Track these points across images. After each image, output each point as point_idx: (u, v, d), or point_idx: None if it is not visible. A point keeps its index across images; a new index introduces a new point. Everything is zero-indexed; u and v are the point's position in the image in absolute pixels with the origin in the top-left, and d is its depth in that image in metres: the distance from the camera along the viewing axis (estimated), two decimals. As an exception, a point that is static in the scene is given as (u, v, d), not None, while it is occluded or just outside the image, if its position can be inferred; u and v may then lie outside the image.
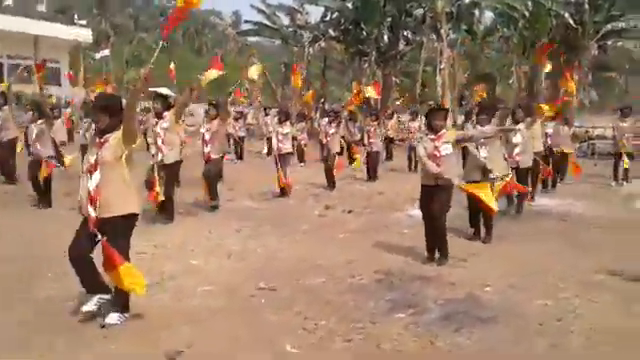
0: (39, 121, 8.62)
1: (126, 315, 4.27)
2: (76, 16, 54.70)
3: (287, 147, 10.19)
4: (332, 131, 11.51)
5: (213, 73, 8.70)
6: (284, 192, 10.01)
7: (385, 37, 25.91)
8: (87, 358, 3.68)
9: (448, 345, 3.99)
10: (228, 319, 4.40)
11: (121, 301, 4.25)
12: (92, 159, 4.11)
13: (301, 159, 15.51)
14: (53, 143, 9.19)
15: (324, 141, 11.47)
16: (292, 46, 28.03)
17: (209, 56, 62.24)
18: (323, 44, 26.48)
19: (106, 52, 44.81)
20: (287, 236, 7.24)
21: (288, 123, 10.35)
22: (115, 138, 4.14)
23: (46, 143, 8.56)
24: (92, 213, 4.07)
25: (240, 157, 16.07)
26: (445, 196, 6.00)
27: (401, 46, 25.84)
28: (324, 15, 27.24)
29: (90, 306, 4.18)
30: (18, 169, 10.44)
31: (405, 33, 26.33)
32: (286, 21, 28.68)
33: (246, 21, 34.47)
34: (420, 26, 24.79)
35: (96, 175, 4.07)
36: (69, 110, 16.10)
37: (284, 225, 7.87)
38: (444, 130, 6.08)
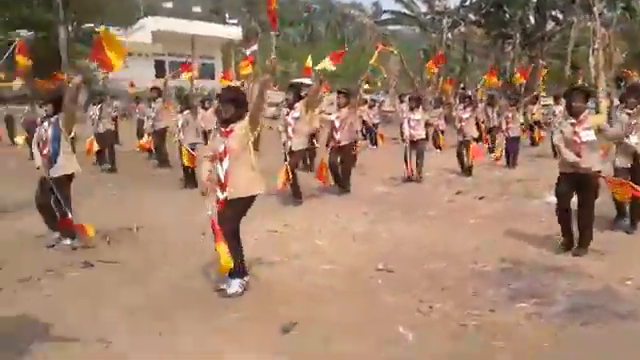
0: (185, 112, 9.39)
1: (246, 279, 4.56)
2: (227, 15, 58.59)
3: (419, 133, 10.02)
4: (466, 116, 11.09)
5: (327, 64, 8.85)
6: (411, 178, 9.91)
7: (531, 18, 24.32)
8: (214, 325, 3.97)
9: (573, 338, 3.71)
10: (344, 297, 4.49)
11: (238, 268, 4.51)
12: (220, 147, 4.43)
13: (437, 145, 15.20)
14: (202, 132, 9.95)
15: (458, 126, 11.10)
16: (430, 33, 27.44)
17: (350, 47, 63.11)
18: (463, 29, 25.57)
19: (254, 47, 47.46)
20: (414, 221, 7.17)
21: (420, 109, 10.15)
22: (242, 128, 4.45)
23: (190, 131, 9.31)
24: (220, 195, 4.41)
25: (375, 143, 16.13)
26: (588, 184, 5.54)
27: (549, 27, 24.09)
28: (463, 0, 26.29)
29: (225, 285, 4.54)
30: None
31: (553, 13, 24.50)
32: (424, 8, 28.19)
33: (385, 11, 34.41)
34: (570, 5, 22.88)
35: (225, 162, 4.40)
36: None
37: (412, 210, 7.79)
38: (586, 113, 5.60)
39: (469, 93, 15.36)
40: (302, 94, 8.33)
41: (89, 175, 10.27)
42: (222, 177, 4.44)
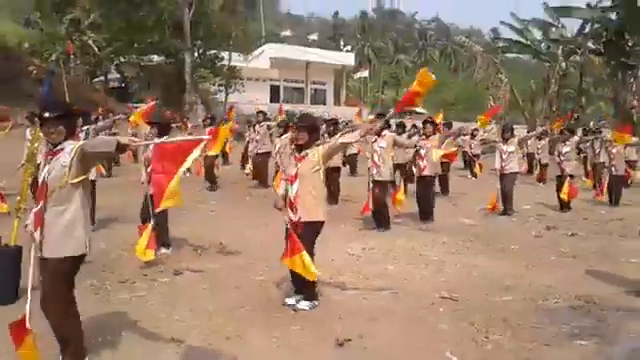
0: (283, 136, 10.01)
1: (315, 303, 4.89)
2: (342, 43, 60.34)
3: (510, 167, 9.77)
4: (566, 150, 10.73)
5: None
6: (494, 209, 9.75)
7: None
8: (275, 334, 4.35)
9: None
10: (402, 320, 4.68)
11: (310, 292, 4.89)
12: (292, 171, 4.84)
13: (540, 178, 14.72)
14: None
15: (557, 160, 10.77)
16: (544, 61, 26.49)
17: (464, 75, 62.25)
18: (579, 58, 24.43)
19: (365, 73, 48.39)
20: (492, 253, 7.15)
21: (514, 140, 9.96)
22: (315, 155, 4.81)
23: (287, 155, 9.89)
24: (292, 217, 4.80)
25: (474, 175, 15.86)
26: None
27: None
28: (581, 27, 25.14)
29: (291, 300, 4.94)
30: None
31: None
32: (539, 36, 27.24)
33: (495, 38, 33.70)
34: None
35: (295, 185, 4.80)
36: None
37: (494, 243, 7.76)
38: None
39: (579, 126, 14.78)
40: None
41: (197, 192, 11.26)
42: (292, 199, 4.83)
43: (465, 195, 12.14)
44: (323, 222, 4.91)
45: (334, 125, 11.62)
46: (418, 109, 49.07)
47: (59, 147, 3.47)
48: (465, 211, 10.27)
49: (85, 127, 7.30)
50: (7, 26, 31.83)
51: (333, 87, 50.64)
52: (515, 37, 27.89)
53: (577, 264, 6.68)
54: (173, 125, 10.38)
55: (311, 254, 4.78)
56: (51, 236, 3.46)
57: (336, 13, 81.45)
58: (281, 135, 10.70)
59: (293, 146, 5.19)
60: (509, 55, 36.72)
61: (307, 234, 4.81)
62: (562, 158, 10.74)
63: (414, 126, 14.05)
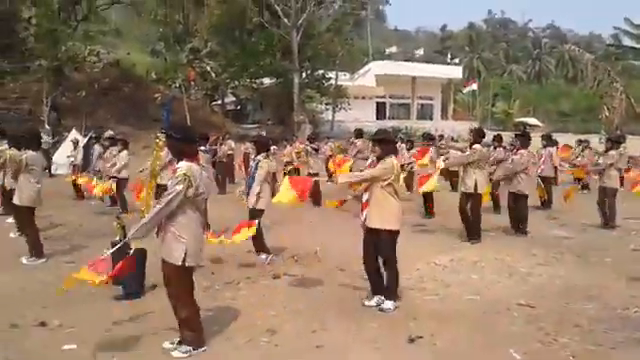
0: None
1: (397, 303, 5.37)
2: (449, 56, 59.75)
3: (609, 180, 9.58)
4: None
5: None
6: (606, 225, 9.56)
7: None
8: (355, 329, 4.89)
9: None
10: (474, 323, 5.02)
11: (392, 292, 5.39)
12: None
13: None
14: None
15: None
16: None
17: (582, 84, 59.09)
18: None
19: (474, 86, 47.66)
20: (582, 266, 7.17)
21: (613, 152, 9.71)
22: (385, 166, 5.31)
23: None
24: (364, 221, 5.35)
25: (585, 187, 15.26)
26: None
27: None
28: None
29: (371, 302, 5.46)
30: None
31: None
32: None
33: (608, 45, 31.87)
34: None
35: (367, 193, 5.32)
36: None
37: (586, 256, 7.72)
38: None
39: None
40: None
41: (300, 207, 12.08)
42: (364, 203, 5.37)
43: (571, 209, 11.84)
44: (393, 231, 5.34)
45: (430, 140, 11.94)
46: (532, 121, 47.49)
47: (177, 165, 4.26)
48: (564, 224, 10.15)
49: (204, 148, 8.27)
50: (137, 57, 35.32)
51: (440, 101, 50.33)
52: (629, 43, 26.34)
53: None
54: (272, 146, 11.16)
55: (390, 260, 5.28)
56: (166, 243, 4.23)
57: (444, 26, 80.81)
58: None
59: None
60: (634, 62, 34.53)
61: (380, 241, 5.33)
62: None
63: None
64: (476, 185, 8.39)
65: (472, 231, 8.55)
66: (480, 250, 8.03)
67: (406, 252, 7.65)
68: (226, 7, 31.72)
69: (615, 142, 10.04)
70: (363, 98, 41.76)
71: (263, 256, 7.25)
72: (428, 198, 10.91)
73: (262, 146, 7.41)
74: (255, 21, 31.83)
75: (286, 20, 30.04)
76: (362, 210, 5.43)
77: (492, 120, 51.53)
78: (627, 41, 28.00)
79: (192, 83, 31.38)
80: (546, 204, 12.21)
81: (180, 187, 4.08)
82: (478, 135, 8.65)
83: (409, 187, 14.01)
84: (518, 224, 9.10)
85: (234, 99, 40.30)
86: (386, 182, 5.29)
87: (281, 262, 7.25)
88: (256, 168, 7.17)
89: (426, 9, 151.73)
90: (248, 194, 7.17)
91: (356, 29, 44.45)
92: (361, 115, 37.59)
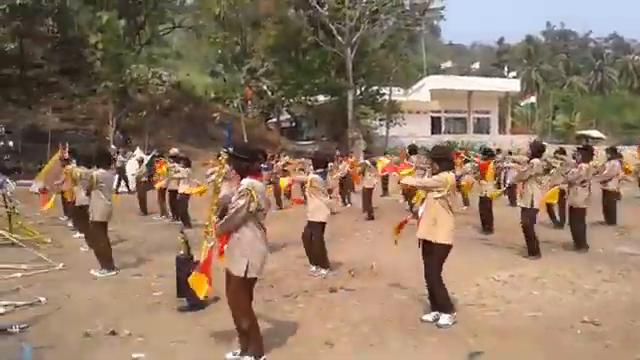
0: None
1: (454, 315, 5.34)
2: (506, 69, 58.70)
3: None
4: None
5: None
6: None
7: None
8: (413, 343, 4.90)
9: None
10: (536, 339, 4.94)
11: (448, 306, 5.38)
12: (423, 194, 5.43)
13: None
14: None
15: None
16: None
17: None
18: None
19: (532, 99, 46.58)
20: (650, 283, 6.90)
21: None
22: (439, 181, 5.34)
23: None
24: (419, 234, 5.39)
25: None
26: None
27: None
28: None
29: (428, 317, 5.46)
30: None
31: None
32: None
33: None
34: None
35: (423, 206, 5.36)
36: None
37: (655, 273, 7.42)
38: None
39: None
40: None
41: (354, 222, 12.18)
42: (419, 218, 5.42)
43: (636, 225, 11.40)
44: (443, 245, 5.33)
45: (488, 154, 11.79)
46: (594, 133, 45.82)
47: (241, 181, 4.43)
48: (630, 241, 9.78)
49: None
50: (197, 78, 36.58)
51: (497, 115, 49.39)
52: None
53: None
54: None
55: (436, 274, 5.30)
56: (230, 255, 4.41)
57: (501, 39, 79.48)
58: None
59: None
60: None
61: (432, 254, 5.35)
62: None
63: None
64: (532, 200, 8.24)
65: (531, 247, 8.38)
66: (540, 266, 7.85)
67: (465, 267, 7.67)
68: (282, 28, 32.48)
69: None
70: (418, 113, 41.51)
71: (323, 271, 7.35)
72: (487, 214, 10.77)
73: (319, 162, 7.56)
74: (310, 40, 32.40)
75: (340, 38, 30.41)
76: (418, 224, 5.47)
77: (553, 133, 50.09)
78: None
79: (249, 102, 32.20)
80: (610, 219, 11.80)
81: (242, 202, 4.25)
82: (537, 149, 8.51)
83: (466, 202, 13.86)
84: (576, 240, 8.83)
85: (289, 116, 40.93)
86: (440, 194, 5.31)
87: (338, 276, 7.33)
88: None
89: (483, 23, 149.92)
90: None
91: (410, 44, 44.44)
92: (416, 130, 37.39)
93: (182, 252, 6.28)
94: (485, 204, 10.92)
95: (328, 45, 31.52)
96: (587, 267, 7.71)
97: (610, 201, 12.04)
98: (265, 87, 30.31)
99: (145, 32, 31.41)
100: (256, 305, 4.67)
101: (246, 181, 4.38)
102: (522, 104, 49.17)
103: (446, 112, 46.10)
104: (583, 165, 8.86)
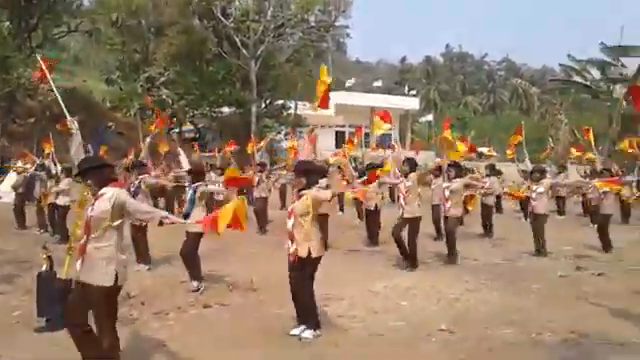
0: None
1: (318, 332, 5.42)
2: (407, 87, 61.17)
3: (539, 209, 9.97)
4: (606, 190, 10.77)
5: (381, 126, 9.77)
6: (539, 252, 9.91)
7: None
8: (270, 358, 4.92)
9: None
10: (391, 349, 5.12)
11: (313, 321, 5.45)
12: (290, 207, 5.49)
13: (593, 219, 14.47)
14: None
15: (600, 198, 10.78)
16: (604, 101, 25.99)
17: (535, 116, 60.93)
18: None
19: (429, 117, 48.78)
20: (511, 292, 7.38)
21: (544, 182, 10.11)
22: (307, 197, 5.40)
23: None
24: (290, 248, 5.43)
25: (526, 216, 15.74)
26: None
27: None
28: (641, 66, 24.56)
29: (296, 331, 5.51)
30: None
31: None
32: (597, 75, 26.81)
33: (552, 79, 33.35)
34: None
35: (290, 220, 5.42)
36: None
37: (517, 282, 7.95)
38: None
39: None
40: None
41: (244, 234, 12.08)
42: (289, 231, 5.45)
43: (512, 237, 12.12)
44: (310, 258, 5.38)
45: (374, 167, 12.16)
46: (485, 150, 48.73)
47: (100, 192, 4.23)
48: (502, 252, 10.45)
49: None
50: (95, 84, 35.03)
51: (398, 131, 51.20)
52: (572, 77, 27.62)
53: (595, 302, 6.82)
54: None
55: (307, 289, 5.38)
56: (88, 266, 4.17)
57: (403, 58, 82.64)
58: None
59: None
60: (583, 96, 35.87)
61: (301, 270, 5.42)
62: (603, 197, 10.76)
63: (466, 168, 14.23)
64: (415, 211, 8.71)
65: (409, 258, 8.74)
66: (415, 277, 8.19)
67: (345, 279, 7.89)
68: (186, 37, 31.87)
69: (542, 172, 10.47)
70: (322, 127, 42.09)
71: (195, 283, 7.23)
72: (372, 225, 11.13)
73: (197, 174, 7.50)
74: (214, 51, 32.05)
75: (245, 51, 30.35)
76: (290, 237, 5.49)
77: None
78: (576, 76, 29.26)
79: (148, 111, 31.22)
80: (488, 231, 12.56)
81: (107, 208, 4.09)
82: (412, 164, 8.96)
83: (360, 215, 14.21)
84: (449, 251, 9.33)
85: (192, 127, 40.15)
86: (313, 211, 5.39)
87: (216, 291, 7.24)
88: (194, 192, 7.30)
89: (387, 42, 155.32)
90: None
91: (317, 60, 45.17)
92: (321, 144, 37.83)
93: (45, 268, 5.97)
94: (373, 216, 11.29)
95: (233, 57, 31.35)
96: (456, 277, 8.14)
97: (488, 215, 12.83)
98: (165, 96, 29.56)
99: (37, 35, 29.71)
100: (120, 324, 4.45)
101: (109, 190, 4.19)
102: (421, 121, 51.33)
103: (350, 126, 47.18)
104: (457, 180, 9.39)
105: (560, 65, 29.38)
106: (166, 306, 6.51)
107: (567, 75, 30.90)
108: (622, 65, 25.75)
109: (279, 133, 35.57)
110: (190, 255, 7.24)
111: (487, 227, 12.67)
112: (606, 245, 10.47)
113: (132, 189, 8.18)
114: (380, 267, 8.94)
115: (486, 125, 59.99)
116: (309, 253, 5.35)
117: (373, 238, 11.14)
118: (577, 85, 27.65)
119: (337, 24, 36.90)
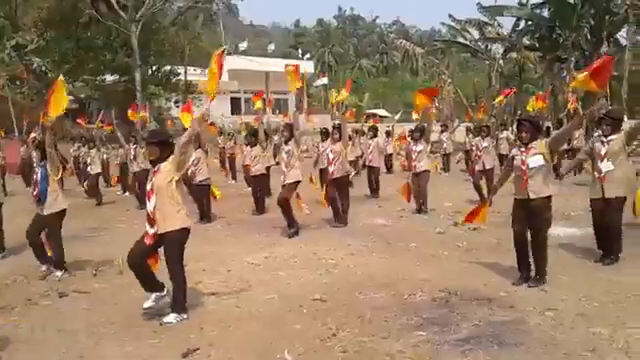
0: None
1: (184, 316, 5.01)
2: (300, 51, 60.71)
3: (421, 165, 10.12)
4: (485, 145, 11.14)
5: (343, 94, 9.75)
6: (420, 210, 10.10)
7: (587, 40, 23.52)
8: (129, 347, 4.48)
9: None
10: (260, 325, 4.83)
11: (179, 304, 5.02)
12: (149, 186, 4.98)
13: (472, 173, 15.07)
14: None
15: (477, 155, 11.12)
16: (483, 60, 27.15)
17: (425, 76, 62.82)
18: (515, 55, 25.06)
19: (324, 80, 48.72)
20: (390, 253, 7.38)
21: (423, 141, 10.26)
22: (166, 166, 4.92)
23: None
24: (150, 230, 4.96)
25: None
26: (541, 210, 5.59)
27: (604, 48, 23.14)
28: (515, 25, 25.88)
29: (149, 302, 5.04)
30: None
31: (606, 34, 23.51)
32: (476, 35, 27.91)
33: (435, 40, 34.42)
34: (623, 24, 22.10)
35: (152, 199, 4.92)
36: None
37: (397, 242, 7.98)
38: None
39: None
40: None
41: (125, 212, 11.34)
42: (151, 213, 4.94)
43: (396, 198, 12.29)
44: (185, 229, 5.00)
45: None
46: (381, 112, 49.68)
47: None
48: (386, 212, 10.51)
49: None
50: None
51: (294, 95, 50.89)
52: (452, 37, 28.54)
53: (466, 257, 6.96)
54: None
55: (179, 267, 4.98)
56: None
57: (297, 22, 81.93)
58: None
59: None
60: (464, 55, 37.23)
61: (171, 247, 4.97)
62: (481, 153, 11.11)
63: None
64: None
65: (288, 222, 8.57)
66: (297, 245, 8.00)
67: (225, 252, 7.51)
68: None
69: (422, 131, 10.60)
70: (217, 93, 40.85)
71: (58, 273, 6.58)
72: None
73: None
74: (90, 14, 29.75)
75: (123, 13, 28.42)
76: (150, 219, 4.98)
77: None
78: (459, 37, 30.23)
79: (25, 81, 28.60)
80: (374, 192, 12.66)
81: None
82: (290, 130, 8.71)
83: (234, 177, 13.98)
84: (337, 214, 9.24)
85: (72, 98, 37.46)
86: (170, 181, 4.93)
87: (77, 277, 6.62)
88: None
89: (280, 5, 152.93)
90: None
91: (209, 24, 43.46)
92: (215, 110, 36.74)
93: None
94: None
95: (111, 20, 29.27)
96: (339, 242, 8.02)
97: (375, 176, 12.91)
98: (36, 65, 27.13)
99: None
100: None
101: None
102: (315, 85, 51.21)
103: (245, 93, 46.20)
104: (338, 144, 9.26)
105: (442, 24, 30.30)
106: (15, 299, 5.82)
107: (453, 36, 31.89)
108: (499, 25, 27.00)
109: (168, 100, 34.06)
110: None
111: (373, 188, 12.77)
112: (482, 198, 10.83)
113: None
114: (261, 238, 8.65)
115: (380, 87, 61.26)
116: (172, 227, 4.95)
117: (260, 208, 10.88)
118: (458, 45, 28.62)
119: (226, -15, 35.46)
